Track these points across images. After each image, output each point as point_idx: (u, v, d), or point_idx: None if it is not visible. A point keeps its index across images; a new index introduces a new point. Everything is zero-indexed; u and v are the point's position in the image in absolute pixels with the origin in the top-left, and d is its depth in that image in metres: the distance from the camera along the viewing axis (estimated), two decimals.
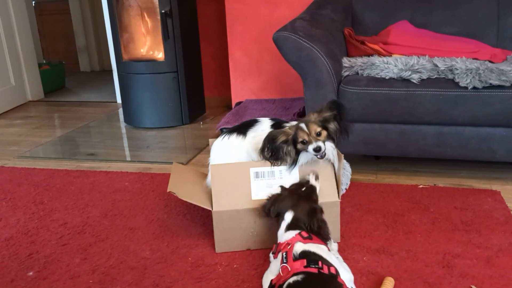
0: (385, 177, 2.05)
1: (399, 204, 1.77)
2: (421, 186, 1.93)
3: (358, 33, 2.41)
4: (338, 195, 1.48)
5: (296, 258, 1.16)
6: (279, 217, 1.36)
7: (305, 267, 1.12)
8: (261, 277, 1.33)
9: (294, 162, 1.48)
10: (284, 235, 1.30)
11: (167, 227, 1.67)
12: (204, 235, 1.59)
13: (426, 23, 2.38)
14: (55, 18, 5.79)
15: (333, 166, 1.52)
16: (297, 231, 1.27)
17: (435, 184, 1.94)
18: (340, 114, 1.47)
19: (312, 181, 1.45)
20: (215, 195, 1.48)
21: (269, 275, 1.21)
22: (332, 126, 1.47)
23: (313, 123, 1.44)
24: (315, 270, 1.11)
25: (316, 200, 1.41)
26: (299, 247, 1.20)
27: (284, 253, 1.20)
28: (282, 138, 1.45)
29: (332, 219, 1.48)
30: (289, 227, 1.31)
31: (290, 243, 1.23)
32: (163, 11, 2.81)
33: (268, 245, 1.50)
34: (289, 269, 1.13)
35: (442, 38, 2.27)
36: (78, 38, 5.70)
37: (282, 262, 1.18)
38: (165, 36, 2.87)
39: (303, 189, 1.42)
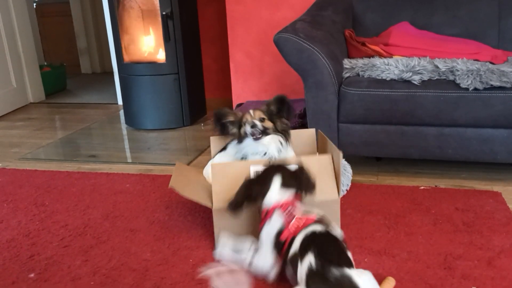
0: (386, 178, 2.05)
1: (400, 205, 1.77)
2: (422, 187, 1.92)
3: (359, 34, 2.41)
4: (338, 193, 1.48)
5: (304, 214, 1.21)
6: (265, 188, 1.33)
7: (317, 220, 1.19)
8: (262, 279, 1.32)
9: (239, 142, 1.61)
10: (277, 197, 1.30)
11: (168, 228, 1.67)
12: (205, 237, 1.59)
13: (427, 24, 2.38)
14: (56, 20, 5.81)
15: (333, 165, 1.52)
16: (291, 190, 1.29)
17: (436, 186, 1.94)
18: (285, 110, 1.62)
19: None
20: (215, 193, 1.49)
21: (272, 230, 1.25)
22: (279, 122, 1.61)
23: (259, 110, 1.59)
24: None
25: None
26: (301, 207, 1.25)
27: (289, 207, 1.23)
28: (230, 117, 1.61)
29: (333, 217, 1.48)
30: (281, 186, 1.32)
31: (290, 204, 1.26)
32: (164, 13, 2.82)
33: None
34: (303, 221, 1.17)
35: (443, 39, 2.27)
36: (79, 40, 5.71)
37: (289, 216, 1.21)
38: (166, 38, 2.87)
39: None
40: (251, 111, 1.60)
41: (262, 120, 1.59)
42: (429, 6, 2.40)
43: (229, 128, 1.64)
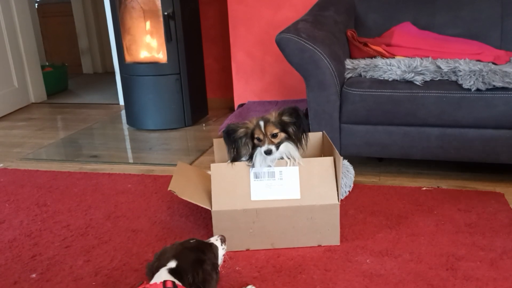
0: (388, 179, 2.05)
1: (403, 206, 1.77)
2: (424, 188, 1.92)
3: (361, 34, 2.41)
4: (338, 198, 1.48)
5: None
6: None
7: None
8: (264, 280, 1.32)
9: (250, 157, 1.50)
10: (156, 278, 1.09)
11: (170, 229, 1.67)
12: (207, 237, 1.58)
13: (429, 25, 2.37)
14: (58, 20, 5.81)
15: (334, 168, 1.51)
16: (171, 279, 1.05)
17: (438, 186, 1.94)
18: (299, 124, 1.49)
19: (215, 241, 1.26)
20: (214, 195, 1.49)
21: None
22: (291, 130, 1.49)
23: (271, 124, 1.47)
24: None
25: (209, 258, 1.17)
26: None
27: None
28: (241, 132, 1.49)
29: (332, 222, 1.49)
30: (170, 272, 1.08)
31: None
32: (165, 13, 2.82)
33: (267, 245, 1.51)
34: None
35: (445, 40, 2.27)
36: (81, 40, 5.72)
37: None
38: (168, 38, 2.87)
39: (192, 241, 1.20)
40: (261, 125, 1.47)
41: (275, 135, 1.47)
42: (431, 7, 2.40)
43: (242, 141, 1.50)
